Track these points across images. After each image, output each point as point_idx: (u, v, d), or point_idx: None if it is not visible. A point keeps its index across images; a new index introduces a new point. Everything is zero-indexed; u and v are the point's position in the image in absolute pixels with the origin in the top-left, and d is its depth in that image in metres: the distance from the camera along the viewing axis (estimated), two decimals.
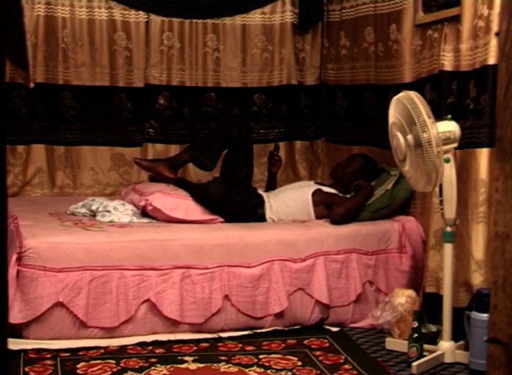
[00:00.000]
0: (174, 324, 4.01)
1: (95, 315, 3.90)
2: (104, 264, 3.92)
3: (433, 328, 4.00)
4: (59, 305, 3.86)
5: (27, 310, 3.80)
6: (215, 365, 3.65)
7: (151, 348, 3.87)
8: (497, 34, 1.65)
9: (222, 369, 3.60)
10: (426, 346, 3.79)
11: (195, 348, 3.89)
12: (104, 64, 5.42)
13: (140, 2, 5.45)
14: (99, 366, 3.60)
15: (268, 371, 3.60)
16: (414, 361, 3.67)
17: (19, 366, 3.57)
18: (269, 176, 5.17)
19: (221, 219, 4.40)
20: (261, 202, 4.65)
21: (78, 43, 5.35)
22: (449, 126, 3.70)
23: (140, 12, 5.45)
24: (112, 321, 3.91)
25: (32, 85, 1.62)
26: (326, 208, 4.59)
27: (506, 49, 1.54)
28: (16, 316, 3.74)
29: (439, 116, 3.78)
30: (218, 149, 4.73)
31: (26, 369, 3.55)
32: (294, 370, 3.62)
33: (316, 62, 5.84)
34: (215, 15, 5.56)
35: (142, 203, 4.44)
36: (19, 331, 3.80)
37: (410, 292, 4.10)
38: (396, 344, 3.95)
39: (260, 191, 4.81)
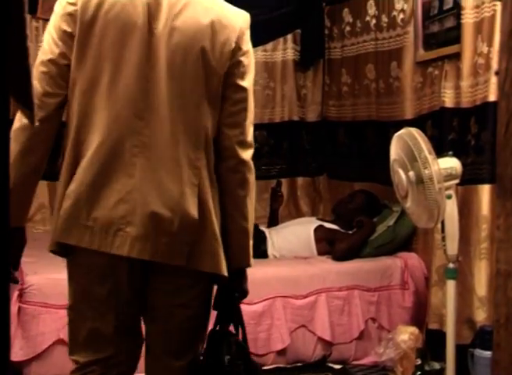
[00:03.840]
0: None
1: None
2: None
3: (436, 366, 3.97)
4: (61, 342, 3.83)
5: (28, 347, 3.78)
6: None
7: None
8: (497, 73, 1.67)
9: None
10: None
11: None
12: None
13: None
14: None
15: None
16: None
17: None
18: (271, 212, 5.17)
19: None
20: (263, 238, 4.65)
21: None
22: (451, 163, 3.71)
23: None
24: None
25: (37, 124, 1.63)
26: (328, 245, 4.59)
27: (505, 87, 1.55)
28: (16, 353, 3.72)
29: (440, 152, 3.79)
30: None
31: None
32: None
33: (318, 99, 5.88)
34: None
35: None
36: (19, 369, 3.78)
37: (413, 329, 4.07)
38: None
39: (262, 227, 4.81)
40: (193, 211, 2.15)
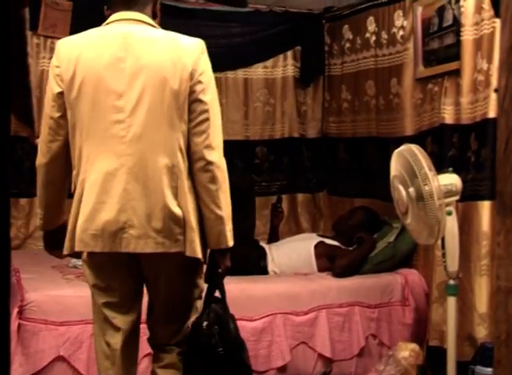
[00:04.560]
0: None
1: (97, 369, 3.86)
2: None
3: None
4: (60, 359, 3.82)
5: (28, 364, 3.76)
6: None
7: None
8: (496, 90, 1.67)
9: None
10: None
11: None
12: None
13: None
14: None
15: None
16: None
17: None
18: (271, 228, 5.17)
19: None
20: (263, 255, 4.65)
21: None
22: (451, 179, 3.71)
23: None
24: None
25: (37, 141, 1.64)
26: (329, 261, 4.59)
27: (505, 105, 1.56)
28: (16, 370, 3.71)
29: (440, 168, 3.80)
30: None
31: None
32: None
33: (318, 115, 5.89)
34: (218, 69, 5.60)
35: None
36: None
37: (414, 346, 4.06)
38: None
39: (262, 244, 4.81)
40: (176, 209, 2.70)
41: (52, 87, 2.81)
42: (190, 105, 2.72)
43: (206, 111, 2.72)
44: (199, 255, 2.76)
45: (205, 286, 2.97)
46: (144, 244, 2.70)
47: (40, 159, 2.83)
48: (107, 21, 2.86)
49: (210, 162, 2.72)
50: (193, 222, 2.74)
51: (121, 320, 2.89)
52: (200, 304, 2.96)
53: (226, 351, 2.85)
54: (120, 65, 2.70)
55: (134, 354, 3.01)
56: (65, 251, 2.86)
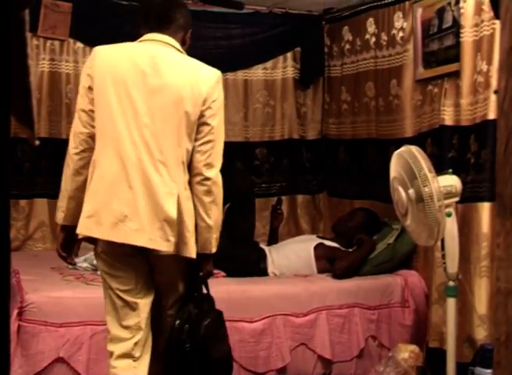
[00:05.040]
0: None
1: (96, 370, 3.86)
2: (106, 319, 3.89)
3: None
4: (60, 360, 3.82)
5: (28, 366, 3.76)
6: None
7: None
8: (496, 92, 1.67)
9: None
10: None
11: None
12: None
13: None
14: None
15: None
16: None
17: None
18: (271, 230, 5.17)
19: (223, 273, 4.39)
20: (263, 256, 4.65)
21: None
22: (451, 181, 3.72)
23: None
24: None
25: (37, 143, 1.64)
26: (328, 263, 4.59)
27: (505, 106, 1.56)
28: (16, 371, 3.71)
29: (440, 170, 3.80)
30: None
31: None
32: None
33: (317, 117, 5.89)
34: (218, 70, 5.62)
35: None
36: None
37: (414, 347, 4.06)
38: None
39: (262, 245, 4.81)
40: (173, 213, 2.96)
41: (84, 83, 3.10)
42: (199, 126, 3.03)
43: (212, 134, 3.03)
44: (193, 255, 3.06)
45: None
46: (138, 237, 2.98)
47: (74, 148, 3.08)
48: (140, 39, 3.16)
49: (207, 178, 3.04)
50: (190, 226, 3.04)
51: (139, 303, 3.16)
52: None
53: (193, 347, 3.12)
54: (145, 80, 3.00)
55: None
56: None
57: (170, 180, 2.98)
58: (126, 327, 3.16)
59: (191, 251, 3.04)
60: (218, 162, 3.10)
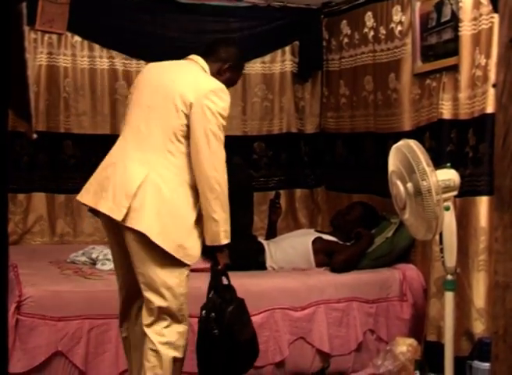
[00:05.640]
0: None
1: (95, 364, 3.87)
2: (104, 313, 3.90)
3: None
4: (58, 354, 3.83)
5: (26, 359, 3.77)
6: None
7: None
8: (494, 86, 1.67)
9: None
10: None
11: None
12: (106, 113, 5.46)
13: (141, 52, 5.51)
14: None
15: None
16: None
17: None
18: (269, 224, 5.17)
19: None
20: (261, 250, 4.65)
21: (79, 92, 5.40)
22: (449, 175, 3.72)
23: (141, 61, 5.50)
24: (112, 370, 3.88)
25: (35, 136, 1.64)
26: (327, 257, 4.59)
27: (503, 100, 1.56)
28: (14, 365, 3.71)
29: (438, 164, 3.80)
30: None
31: None
32: None
33: (316, 111, 5.89)
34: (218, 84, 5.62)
35: None
36: None
37: (412, 341, 4.07)
38: None
39: (260, 239, 4.81)
40: (133, 188, 3.27)
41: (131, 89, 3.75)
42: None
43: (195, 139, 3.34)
44: (149, 233, 3.23)
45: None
46: (103, 205, 3.32)
47: None
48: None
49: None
50: (153, 206, 3.27)
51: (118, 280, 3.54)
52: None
53: (221, 332, 3.37)
54: (158, 87, 3.47)
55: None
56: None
57: (147, 162, 3.33)
58: None
59: (146, 228, 3.23)
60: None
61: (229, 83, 3.57)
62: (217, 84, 3.42)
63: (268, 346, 4.10)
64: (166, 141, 3.34)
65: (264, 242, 4.76)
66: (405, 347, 4.02)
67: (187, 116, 3.32)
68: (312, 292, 4.27)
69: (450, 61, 4.14)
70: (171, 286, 3.33)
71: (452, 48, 4.13)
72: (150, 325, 3.32)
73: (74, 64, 5.37)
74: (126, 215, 3.23)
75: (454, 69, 4.09)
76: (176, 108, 3.33)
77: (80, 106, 5.41)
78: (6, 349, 1.38)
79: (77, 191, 5.36)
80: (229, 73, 3.61)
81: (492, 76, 3.73)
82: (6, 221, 1.37)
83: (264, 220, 5.40)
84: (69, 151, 5.42)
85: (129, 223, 3.25)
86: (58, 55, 5.34)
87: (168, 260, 3.29)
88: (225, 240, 3.37)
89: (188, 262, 3.36)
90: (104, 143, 5.40)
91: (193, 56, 3.62)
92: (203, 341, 3.43)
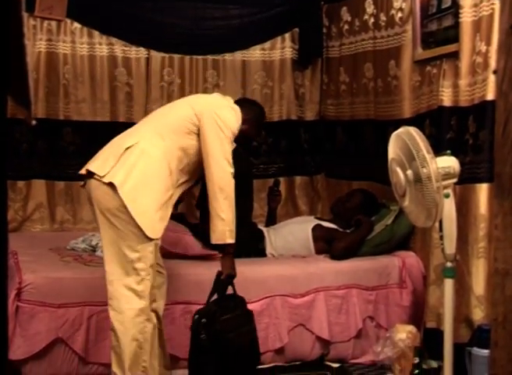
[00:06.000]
0: (174, 360, 3.98)
1: (95, 351, 3.88)
2: (104, 300, 3.88)
3: (434, 364, 3.98)
4: (59, 341, 3.84)
5: (26, 346, 3.78)
6: None
7: None
8: (495, 72, 1.66)
9: None
10: None
11: None
12: (105, 100, 5.45)
13: (140, 39, 5.50)
14: None
15: None
16: None
17: None
18: (269, 211, 5.17)
19: (220, 254, 4.38)
20: (261, 237, 4.65)
21: (79, 79, 5.39)
22: (449, 162, 3.71)
23: (141, 48, 5.50)
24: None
25: (34, 123, 1.63)
26: (326, 244, 4.59)
27: (503, 87, 1.56)
28: (15, 352, 3.72)
29: (438, 151, 3.79)
30: None
31: None
32: None
33: (316, 98, 5.88)
34: (216, 51, 5.61)
35: None
36: (18, 368, 3.78)
37: (411, 328, 4.08)
38: None
39: (260, 226, 4.81)
40: (121, 150, 3.51)
41: None
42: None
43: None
44: (115, 181, 3.37)
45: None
46: (93, 165, 3.52)
47: None
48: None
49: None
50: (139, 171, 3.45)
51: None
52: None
53: (209, 338, 3.45)
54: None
55: None
56: None
57: (141, 136, 3.56)
58: None
59: (118, 184, 3.36)
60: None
61: (240, 137, 3.74)
62: (231, 104, 3.71)
63: (267, 333, 4.11)
64: (165, 129, 3.57)
65: (264, 229, 4.76)
66: (404, 334, 4.03)
67: (198, 120, 3.55)
68: (312, 279, 4.28)
69: (451, 48, 4.12)
70: (132, 259, 3.38)
71: (452, 34, 4.11)
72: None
73: (74, 51, 5.36)
74: (108, 172, 3.40)
75: (455, 56, 4.08)
76: (187, 110, 3.61)
77: (79, 93, 5.40)
78: (6, 336, 1.38)
79: (77, 178, 5.40)
80: (245, 126, 3.78)
81: (493, 63, 3.72)
82: (6, 208, 1.37)
83: (263, 207, 5.40)
84: (69, 138, 5.42)
85: (106, 179, 3.40)
86: (58, 41, 5.33)
87: (130, 233, 3.37)
88: (230, 239, 3.53)
89: (148, 234, 3.37)
90: (104, 130, 5.43)
91: (229, 98, 3.85)
92: (191, 345, 3.56)
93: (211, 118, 3.51)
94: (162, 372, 3.65)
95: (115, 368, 3.41)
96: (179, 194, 3.60)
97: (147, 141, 3.50)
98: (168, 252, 4.35)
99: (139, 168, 3.42)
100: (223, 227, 3.51)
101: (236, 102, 3.82)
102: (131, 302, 3.39)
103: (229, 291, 3.63)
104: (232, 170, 3.55)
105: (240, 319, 3.57)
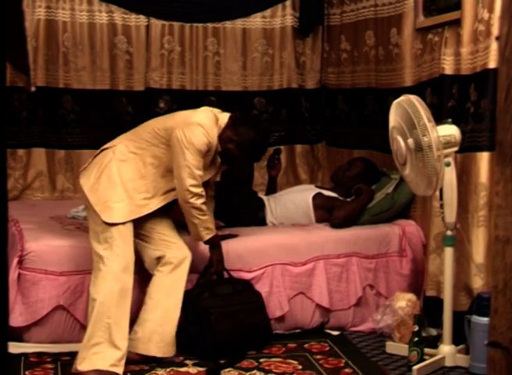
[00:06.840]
0: None
1: None
2: None
3: (434, 332, 4.00)
4: (60, 308, 3.86)
5: (28, 313, 3.80)
6: None
7: None
8: (497, 38, 1.65)
9: (222, 373, 3.60)
10: (427, 350, 3.79)
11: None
12: (105, 68, 5.42)
13: (140, 6, 5.46)
14: None
15: None
16: (414, 365, 3.67)
17: (19, 370, 3.57)
18: (269, 179, 5.16)
19: (221, 223, 4.40)
20: (261, 206, 4.66)
21: (78, 47, 5.35)
22: (450, 130, 3.71)
23: (141, 15, 5.46)
24: None
25: (33, 89, 1.63)
26: (327, 212, 4.59)
27: (506, 53, 1.54)
28: (16, 319, 3.74)
29: (439, 119, 3.78)
30: None
31: (27, 372, 3.56)
32: (295, 374, 3.62)
33: (316, 66, 5.85)
34: (216, 18, 5.57)
35: None
36: (19, 335, 3.80)
37: (411, 296, 4.10)
38: (397, 348, 3.95)
39: (260, 195, 4.81)
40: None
41: None
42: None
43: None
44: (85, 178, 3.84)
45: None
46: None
47: None
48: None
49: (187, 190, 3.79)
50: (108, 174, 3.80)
51: None
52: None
53: (194, 313, 3.84)
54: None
55: None
56: None
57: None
58: None
59: (85, 182, 3.80)
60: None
61: (224, 155, 3.92)
62: (202, 120, 3.84)
63: (268, 301, 4.12)
64: (141, 138, 3.91)
65: (265, 198, 4.76)
66: (404, 302, 4.05)
67: (168, 136, 3.81)
68: (312, 248, 4.29)
69: (453, 15, 4.09)
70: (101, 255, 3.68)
71: (454, 2, 4.08)
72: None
73: (73, 18, 5.33)
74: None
75: (456, 23, 4.05)
76: (163, 124, 3.91)
77: (79, 61, 5.37)
78: (7, 303, 1.38)
79: (77, 146, 5.42)
80: (231, 146, 3.89)
81: (495, 31, 3.70)
82: (5, 177, 1.37)
83: (264, 176, 5.39)
84: (69, 106, 5.40)
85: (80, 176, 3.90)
86: (57, 9, 5.29)
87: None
88: (207, 236, 3.86)
89: (105, 219, 3.66)
90: (104, 98, 5.42)
91: (217, 110, 4.02)
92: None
93: (177, 135, 3.75)
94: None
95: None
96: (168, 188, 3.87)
97: (123, 146, 3.87)
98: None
99: (108, 169, 3.80)
100: (196, 229, 3.83)
101: (231, 118, 3.94)
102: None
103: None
104: (192, 182, 3.73)
105: (231, 301, 3.90)
